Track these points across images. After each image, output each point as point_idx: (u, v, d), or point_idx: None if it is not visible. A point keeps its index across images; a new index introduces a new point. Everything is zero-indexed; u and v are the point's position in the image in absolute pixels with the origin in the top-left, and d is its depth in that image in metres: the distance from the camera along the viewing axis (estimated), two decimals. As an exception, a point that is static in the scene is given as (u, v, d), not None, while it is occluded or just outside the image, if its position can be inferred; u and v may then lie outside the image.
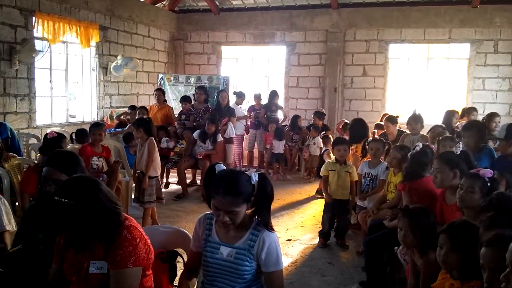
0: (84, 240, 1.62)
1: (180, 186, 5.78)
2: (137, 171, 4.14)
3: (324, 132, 6.84)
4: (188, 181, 6.12)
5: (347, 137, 4.51)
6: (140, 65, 7.65)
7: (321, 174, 4.11)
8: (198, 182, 6.37)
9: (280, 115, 7.62)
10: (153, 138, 4.12)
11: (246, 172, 1.68)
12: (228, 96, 6.61)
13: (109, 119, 6.90)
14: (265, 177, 1.71)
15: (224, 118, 6.35)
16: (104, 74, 7.00)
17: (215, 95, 7.09)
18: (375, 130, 5.60)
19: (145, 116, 5.65)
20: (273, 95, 7.35)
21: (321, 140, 6.62)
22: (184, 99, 6.37)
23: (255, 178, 1.67)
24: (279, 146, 6.91)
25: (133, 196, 4.50)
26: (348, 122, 5.61)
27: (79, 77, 6.86)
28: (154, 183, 4.15)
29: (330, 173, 3.92)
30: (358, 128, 4.52)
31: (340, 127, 6.46)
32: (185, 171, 5.73)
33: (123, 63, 6.93)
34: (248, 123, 7.55)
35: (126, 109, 6.47)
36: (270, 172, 7.16)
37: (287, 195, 5.81)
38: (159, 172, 4.25)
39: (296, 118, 7.43)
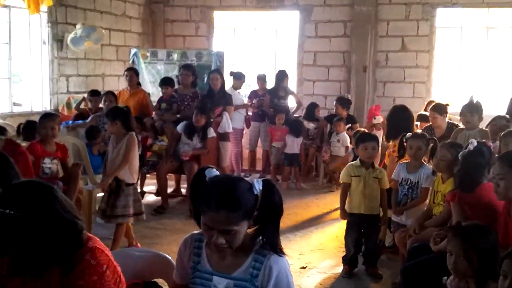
0: (35, 264, 1.59)
1: (159, 197, 5.82)
2: (110, 180, 4.16)
3: (349, 125, 6.85)
4: (170, 190, 6.17)
5: (378, 132, 4.52)
6: (106, 37, 7.67)
7: (340, 181, 4.13)
8: (184, 191, 6.42)
9: (291, 102, 7.66)
10: (134, 133, 4.18)
11: (247, 179, 1.68)
12: (222, 78, 6.64)
13: (65, 109, 6.94)
14: (272, 185, 1.69)
15: (217, 107, 6.39)
16: (59, 49, 7.02)
17: (206, 77, 7.12)
18: (417, 123, 5.59)
19: (116, 105, 5.70)
20: (282, 76, 7.38)
21: (347, 137, 6.65)
22: (165, 82, 6.41)
23: (258, 186, 1.65)
24: (294, 145, 6.95)
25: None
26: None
27: (26, 53, 6.89)
28: (131, 192, 4.19)
29: (353, 180, 3.93)
30: (399, 119, 4.48)
31: (376, 120, 6.51)
32: (166, 176, 5.78)
33: (83, 34, 6.92)
34: (249, 113, 7.59)
35: (86, 95, 6.51)
36: (278, 179, 7.20)
37: (301, 209, 5.85)
38: (136, 178, 4.30)
39: (313, 107, 7.45)
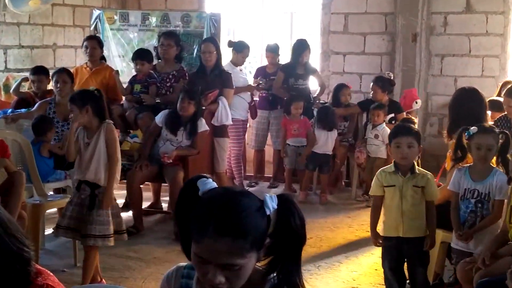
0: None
1: (131, 213, 5.85)
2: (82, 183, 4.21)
3: (392, 115, 6.83)
4: (145, 204, 6.19)
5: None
6: (58, -6, 7.77)
7: (370, 194, 4.12)
8: (165, 206, 6.44)
9: (312, 84, 7.65)
10: (112, 123, 4.28)
11: (253, 190, 1.68)
12: (218, 50, 6.64)
13: (2, 92, 6.97)
14: (291, 202, 1.66)
15: (211, 90, 6.40)
16: (-7, 10, 7.08)
17: (195, 49, 7.13)
18: (488, 112, 5.58)
19: (71, 86, 5.71)
20: (302, 48, 7.38)
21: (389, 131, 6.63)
22: (139, 56, 6.43)
23: (272, 204, 1.62)
24: (328, 142, 6.95)
25: (50, 230, 4.57)
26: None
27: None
28: (115, 206, 4.28)
29: (386, 192, 3.94)
30: (467, 107, 4.48)
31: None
32: (140, 186, 5.80)
33: (28, -11, 7.00)
34: (256, 99, 7.61)
35: (29, 75, 6.54)
36: (294, 189, 7.21)
37: (327, 231, 5.85)
38: (117, 183, 4.37)
39: (341, 89, 7.44)
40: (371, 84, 7.13)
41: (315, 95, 7.54)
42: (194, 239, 1.60)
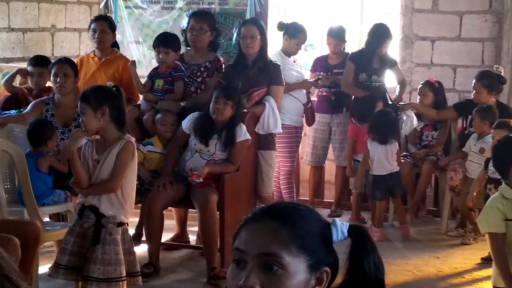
0: None
1: (146, 248, 5.89)
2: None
3: (500, 121, 6.80)
4: (167, 236, 6.26)
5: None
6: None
7: (483, 232, 4.09)
8: (192, 239, 6.51)
9: (390, 80, 7.66)
10: (133, 140, 4.44)
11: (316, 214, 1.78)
12: (264, 35, 6.68)
13: (-11, 87, 7.16)
14: (366, 235, 1.77)
15: (254, 87, 6.47)
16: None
17: (234, 33, 7.18)
18: None
19: (74, 80, 5.85)
20: (381, 36, 7.37)
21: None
22: (163, 42, 6.48)
23: (342, 231, 1.74)
24: (386, 158, 6.87)
25: (46, 269, 4.65)
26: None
27: None
28: (124, 238, 4.39)
29: (509, 227, 3.89)
30: None
31: None
32: (162, 212, 5.84)
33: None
34: (314, 98, 7.63)
35: (25, 66, 6.68)
36: (364, 219, 7.23)
37: (408, 275, 5.81)
38: (131, 213, 4.53)
39: (431, 87, 7.42)
40: (473, 81, 7.11)
41: (396, 95, 7.52)
42: (236, 234, 1.72)
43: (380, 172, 6.88)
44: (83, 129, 4.42)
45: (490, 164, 5.45)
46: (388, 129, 6.85)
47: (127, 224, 4.58)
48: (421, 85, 7.45)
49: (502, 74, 7.27)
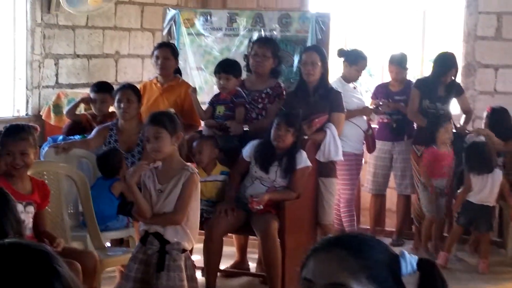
0: None
1: (203, 276, 5.87)
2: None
3: None
4: (226, 264, 6.26)
5: None
6: (123, -10, 8.07)
7: None
8: (252, 266, 6.49)
9: (455, 108, 7.57)
10: (196, 173, 4.50)
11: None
12: (325, 61, 6.68)
13: (52, 114, 7.25)
14: (435, 269, 1.74)
15: (315, 114, 6.45)
16: (45, 9, 7.39)
17: (295, 59, 7.19)
18: None
19: (138, 106, 5.90)
20: (446, 65, 7.29)
21: None
22: (224, 68, 6.52)
23: (411, 263, 1.71)
24: (485, 187, 6.77)
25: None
26: None
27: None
28: (187, 265, 4.42)
29: None
30: None
31: None
32: (222, 239, 5.83)
33: (86, -16, 7.34)
34: (374, 125, 7.61)
35: (88, 92, 6.77)
36: (430, 250, 7.12)
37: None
38: (195, 241, 4.54)
39: (501, 115, 7.33)
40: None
41: (461, 124, 7.46)
42: (304, 263, 1.71)
43: (473, 199, 6.80)
44: (156, 152, 4.45)
45: None
46: (485, 159, 6.77)
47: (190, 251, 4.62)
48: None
49: None
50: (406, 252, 1.71)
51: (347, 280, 1.63)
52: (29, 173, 4.59)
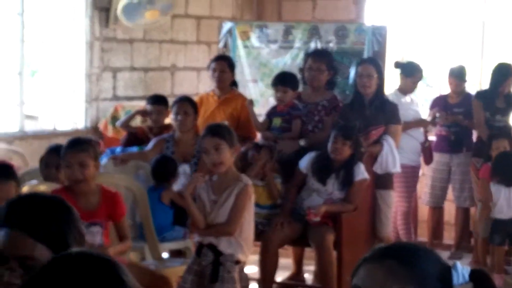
0: None
1: None
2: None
3: None
4: (283, 276, 6.24)
5: None
6: (181, 3, 8.07)
7: None
8: (308, 278, 6.47)
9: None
10: (249, 180, 4.52)
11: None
12: (381, 73, 6.65)
13: (109, 126, 7.37)
14: (488, 280, 1.73)
15: (372, 126, 6.44)
16: (103, 23, 7.53)
17: (351, 71, 7.17)
18: None
19: (195, 118, 5.97)
20: (503, 74, 7.26)
21: None
22: (281, 81, 6.53)
23: (463, 275, 1.70)
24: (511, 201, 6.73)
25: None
26: None
27: (46, 32, 7.45)
28: (241, 277, 4.44)
29: None
30: None
31: None
32: (277, 251, 5.87)
33: (143, -2, 7.44)
34: (431, 138, 7.54)
35: (146, 105, 6.82)
36: (488, 265, 6.99)
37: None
38: (250, 253, 4.57)
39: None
40: None
41: None
42: (354, 271, 1.72)
43: (501, 216, 6.71)
44: (218, 165, 4.46)
45: None
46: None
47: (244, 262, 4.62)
48: None
49: None
50: (458, 264, 1.72)
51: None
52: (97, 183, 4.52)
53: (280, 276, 6.15)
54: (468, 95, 7.59)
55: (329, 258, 5.58)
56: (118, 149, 6.37)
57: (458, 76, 7.53)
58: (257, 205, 5.81)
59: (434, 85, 8.81)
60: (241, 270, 4.56)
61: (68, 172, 4.39)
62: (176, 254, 5.82)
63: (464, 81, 7.56)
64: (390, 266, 1.65)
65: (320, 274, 5.75)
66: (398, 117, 6.59)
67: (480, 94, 7.41)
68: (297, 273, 6.51)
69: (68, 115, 7.54)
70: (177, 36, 8.32)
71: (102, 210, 4.45)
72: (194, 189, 4.56)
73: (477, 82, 8.15)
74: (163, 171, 5.72)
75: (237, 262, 4.48)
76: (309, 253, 6.30)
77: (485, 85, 7.95)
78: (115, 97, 7.71)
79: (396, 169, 6.44)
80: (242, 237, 4.49)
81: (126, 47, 7.81)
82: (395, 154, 6.40)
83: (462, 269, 1.70)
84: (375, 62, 6.64)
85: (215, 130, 4.50)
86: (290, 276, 6.46)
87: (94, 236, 4.38)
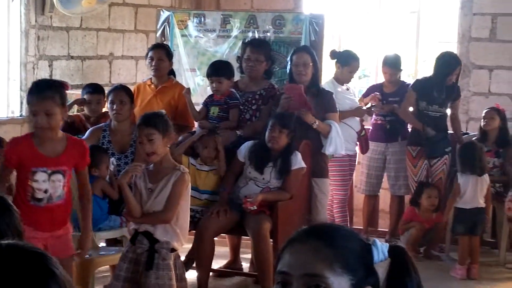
0: None
1: (196, 275, 5.88)
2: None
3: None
4: (219, 264, 6.29)
5: None
6: (117, -9, 8.08)
7: None
8: (245, 266, 6.53)
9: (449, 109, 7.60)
10: (187, 172, 4.54)
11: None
12: (315, 62, 6.69)
13: (46, 115, 7.33)
14: (405, 255, 1.78)
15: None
16: (38, 11, 7.42)
17: (288, 61, 7.20)
18: None
19: (131, 107, 5.97)
20: (450, 65, 7.31)
21: None
22: (216, 71, 6.54)
23: (383, 249, 1.75)
24: (476, 191, 6.74)
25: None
26: None
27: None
28: (176, 265, 4.46)
29: None
30: None
31: None
32: (213, 239, 5.88)
33: (80, -14, 7.36)
34: (367, 127, 7.66)
35: (83, 94, 6.80)
36: (421, 252, 7.14)
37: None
38: (185, 241, 4.59)
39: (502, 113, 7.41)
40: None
41: (458, 136, 7.51)
42: (279, 257, 1.75)
43: (466, 206, 6.79)
44: (151, 155, 4.47)
45: None
46: (478, 160, 6.77)
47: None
48: (487, 109, 7.42)
49: None
50: (377, 240, 1.77)
51: (322, 270, 1.67)
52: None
53: (217, 264, 6.18)
54: (404, 84, 7.69)
55: (265, 246, 5.61)
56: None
57: (392, 65, 7.62)
58: (196, 189, 5.91)
59: (371, 75, 8.89)
60: (177, 258, 4.59)
61: (34, 119, 4.32)
62: (112, 242, 5.82)
63: (399, 70, 7.66)
64: (314, 245, 1.68)
65: (257, 262, 5.78)
66: (335, 106, 6.65)
67: (418, 84, 7.44)
68: (234, 261, 6.54)
69: (4, 103, 7.45)
70: (114, 25, 8.25)
71: (67, 158, 4.41)
72: (131, 179, 4.57)
73: (412, 71, 8.25)
74: (93, 158, 5.45)
75: (173, 249, 4.51)
76: (246, 241, 6.35)
77: (421, 74, 8.09)
78: (53, 86, 7.62)
79: (344, 151, 6.55)
80: (178, 225, 4.52)
81: (62, 35, 7.71)
82: (341, 137, 6.45)
83: (381, 246, 1.75)
84: (310, 51, 6.66)
85: (147, 120, 4.50)
86: (226, 264, 6.50)
87: (55, 185, 4.38)
